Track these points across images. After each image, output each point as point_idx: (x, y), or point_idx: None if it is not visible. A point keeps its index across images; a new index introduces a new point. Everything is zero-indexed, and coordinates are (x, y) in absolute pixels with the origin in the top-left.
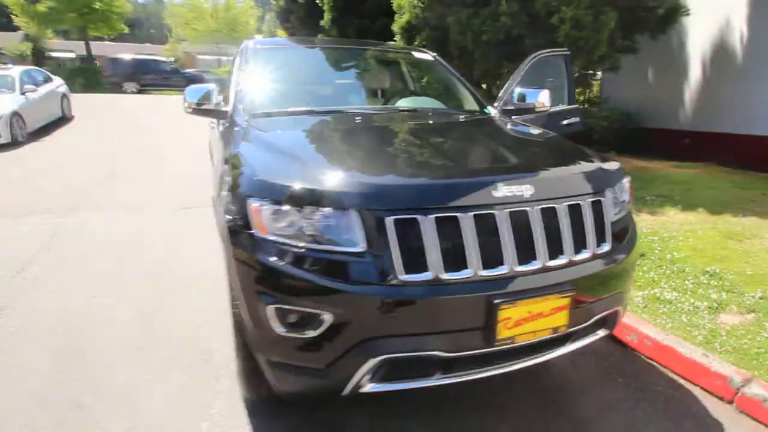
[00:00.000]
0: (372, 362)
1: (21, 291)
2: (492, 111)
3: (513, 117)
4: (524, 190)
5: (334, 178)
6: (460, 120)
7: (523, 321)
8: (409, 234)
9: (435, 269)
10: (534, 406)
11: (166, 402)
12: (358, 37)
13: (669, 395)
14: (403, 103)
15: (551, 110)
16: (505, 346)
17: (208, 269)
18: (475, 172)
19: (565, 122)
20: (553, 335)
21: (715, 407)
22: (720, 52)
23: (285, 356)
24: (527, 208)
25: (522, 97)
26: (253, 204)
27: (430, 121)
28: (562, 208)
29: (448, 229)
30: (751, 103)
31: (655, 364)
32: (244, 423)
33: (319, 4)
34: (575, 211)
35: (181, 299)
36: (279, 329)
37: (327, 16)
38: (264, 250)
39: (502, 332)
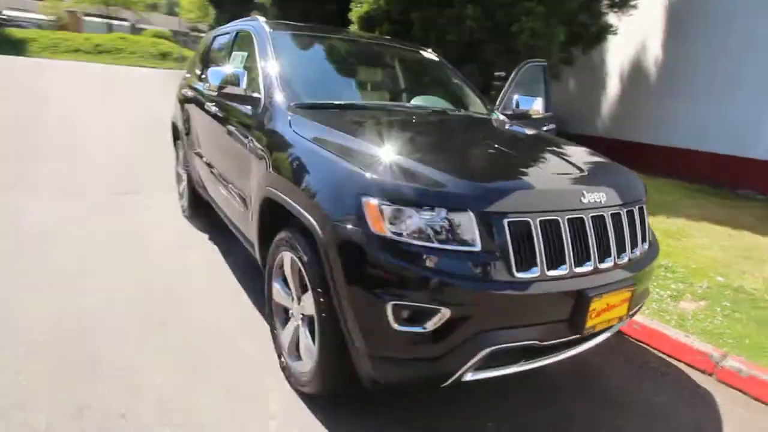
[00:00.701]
0: (482, 353)
1: None
2: (498, 115)
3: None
4: (601, 197)
5: (452, 181)
6: (500, 124)
7: (602, 311)
8: (520, 235)
9: (541, 267)
10: (569, 380)
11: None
12: (301, 21)
13: (663, 370)
14: (419, 101)
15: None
16: (587, 334)
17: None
18: (568, 182)
19: (544, 128)
20: (618, 323)
21: (699, 378)
22: (634, 69)
23: (396, 350)
24: (603, 213)
25: (517, 104)
26: (371, 202)
27: (478, 125)
28: (624, 213)
29: (549, 231)
30: (656, 117)
31: (644, 345)
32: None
33: None
34: (630, 215)
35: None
36: (395, 325)
37: None
38: (383, 248)
39: (589, 322)
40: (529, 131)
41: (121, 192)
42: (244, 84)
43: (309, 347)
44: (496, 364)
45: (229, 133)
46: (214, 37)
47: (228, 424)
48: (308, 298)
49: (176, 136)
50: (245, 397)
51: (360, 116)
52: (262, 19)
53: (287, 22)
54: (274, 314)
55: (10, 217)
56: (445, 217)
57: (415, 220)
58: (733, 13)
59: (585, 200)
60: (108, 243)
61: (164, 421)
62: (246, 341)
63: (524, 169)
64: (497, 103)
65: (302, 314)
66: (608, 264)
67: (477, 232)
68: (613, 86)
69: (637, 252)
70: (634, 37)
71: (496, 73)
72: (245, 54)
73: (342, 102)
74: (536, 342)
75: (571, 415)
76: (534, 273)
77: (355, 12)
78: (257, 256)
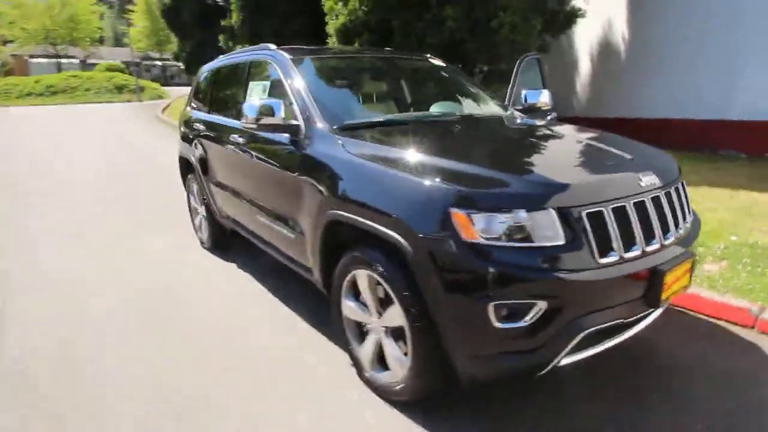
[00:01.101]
0: (577, 338)
1: None
2: (514, 112)
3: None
4: (654, 179)
5: (529, 183)
6: (524, 121)
7: (672, 284)
8: (597, 224)
9: (619, 250)
10: (629, 355)
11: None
12: (274, 38)
13: (709, 330)
14: (440, 108)
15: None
16: (661, 307)
17: None
18: (624, 169)
19: (549, 117)
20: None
21: (742, 332)
22: (604, 49)
23: (498, 347)
24: (658, 193)
25: (526, 98)
26: (459, 212)
27: (510, 125)
28: (672, 191)
29: (618, 216)
30: (631, 92)
31: (684, 310)
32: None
33: (221, 3)
34: (677, 192)
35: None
36: (497, 324)
37: (236, 16)
38: (478, 254)
39: (663, 295)
40: (559, 126)
41: (130, 232)
42: (281, 113)
43: (398, 357)
44: (586, 346)
45: (268, 162)
46: (217, 69)
47: None
48: (394, 311)
49: (186, 171)
50: (339, 413)
51: (404, 130)
52: (272, 47)
53: (300, 47)
54: (347, 331)
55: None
56: (530, 216)
57: (502, 223)
58: None
59: (642, 184)
60: (143, 287)
61: None
62: (315, 361)
63: (584, 163)
64: (507, 99)
65: (385, 326)
66: (670, 240)
67: (559, 227)
68: (584, 67)
69: (688, 224)
70: (601, 18)
71: (478, 68)
72: (267, 83)
73: (380, 119)
74: (622, 320)
75: (639, 386)
76: (614, 257)
77: (332, 25)
78: (317, 278)
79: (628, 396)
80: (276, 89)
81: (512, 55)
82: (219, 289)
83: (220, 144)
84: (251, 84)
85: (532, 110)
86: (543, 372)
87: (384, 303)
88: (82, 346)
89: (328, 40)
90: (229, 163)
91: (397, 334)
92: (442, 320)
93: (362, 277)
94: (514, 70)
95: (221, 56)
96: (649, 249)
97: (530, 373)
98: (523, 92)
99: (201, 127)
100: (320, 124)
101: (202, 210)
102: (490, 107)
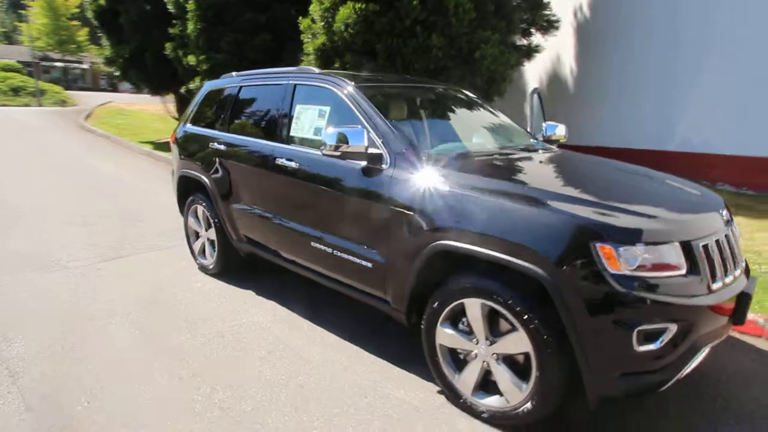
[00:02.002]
0: (698, 355)
1: None
2: (543, 144)
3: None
4: (726, 214)
5: (658, 218)
6: (569, 154)
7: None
8: (705, 255)
9: (721, 278)
10: None
11: None
12: (234, 52)
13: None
14: (481, 139)
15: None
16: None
17: None
18: (708, 207)
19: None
20: None
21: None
22: (554, 81)
23: (632, 367)
24: (731, 228)
25: (546, 130)
26: (605, 246)
27: (571, 159)
28: (734, 226)
29: (717, 248)
30: (580, 121)
31: None
32: None
33: (171, 11)
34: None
35: None
36: (636, 347)
37: (192, 25)
38: (625, 284)
39: (747, 314)
40: (612, 161)
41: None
42: (364, 141)
43: (514, 382)
44: (693, 359)
45: (339, 191)
46: (238, 89)
47: None
48: (515, 338)
49: (188, 192)
50: None
51: (494, 161)
52: (316, 70)
53: (353, 73)
54: (440, 359)
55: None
56: (663, 249)
57: (642, 255)
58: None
59: (723, 218)
60: (159, 318)
61: None
62: (404, 394)
63: (679, 199)
64: (529, 130)
65: (495, 353)
66: (740, 268)
67: (681, 257)
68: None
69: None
70: (551, 53)
71: None
72: (324, 109)
73: (463, 150)
74: (722, 337)
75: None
76: (719, 283)
77: (311, 44)
78: (397, 307)
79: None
80: (337, 115)
81: (490, 83)
82: (254, 324)
83: (253, 167)
84: (298, 108)
85: (551, 141)
86: (665, 387)
87: (495, 330)
88: None
89: (303, 59)
90: (266, 187)
91: (510, 360)
92: (583, 346)
93: (474, 305)
94: (531, 102)
95: (234, 74)
96: (734, 275)
97: (655, 388)
98: (544, 124)
99: (220, 147)
100: (408, 153)
101: (208, 233)
102: (526, 138)
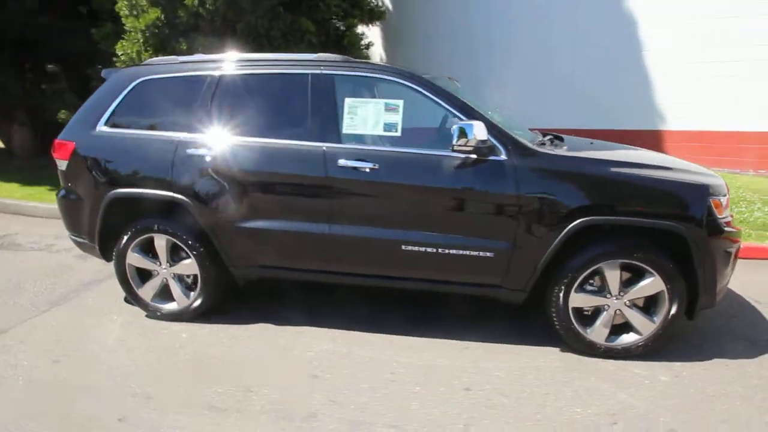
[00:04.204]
0: None
1: None
2: None
3: None
4: None
5: (717, 177)
6: None
7: None
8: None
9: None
10: None
11: None
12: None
13: None
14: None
15: None
16: None
17: None
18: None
19: None
20: None
21: None
22: None
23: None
24: None
25: None
26: (716, 200)
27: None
28: None
29: None
30: None
31: None
32: None
33: None
34: None
35: None
36: (731, 269)
37: None
38: (726, 225)
39: None
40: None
41: None
42: (485, 134)
43: (644, 322)
44: None
45: (449, 187)
46: (219, 78)
47: None
48: (650, 284)
49: (121, 221)
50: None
51: (576, 142)
52: (338, 57)
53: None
54: (572, 319)
55: None
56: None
57: (726, 203)
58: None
59: None
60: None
61: None
62: (544, 363)
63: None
64: None
65: (628, 300)
66: None
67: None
68: None
69: None
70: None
71: None
72: (395, 103)
73: (531, 135)
74: None
75: None
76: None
77: (136, 21)
78: (524, 286)
79: None
80: (414, 110)
81: None
82: (333, 354)
83: (288, 174)
84: (350, 102)
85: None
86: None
87: (628, 282)
88: None
89: (126, 37)
90: (315, 195)
91: (640, 305)
92: (705, 274)
93: (612, 266)
94: None
95: (179, 59)
96: None
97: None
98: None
99: (206, 153)
100: (519, 142)
101: (174, 268)
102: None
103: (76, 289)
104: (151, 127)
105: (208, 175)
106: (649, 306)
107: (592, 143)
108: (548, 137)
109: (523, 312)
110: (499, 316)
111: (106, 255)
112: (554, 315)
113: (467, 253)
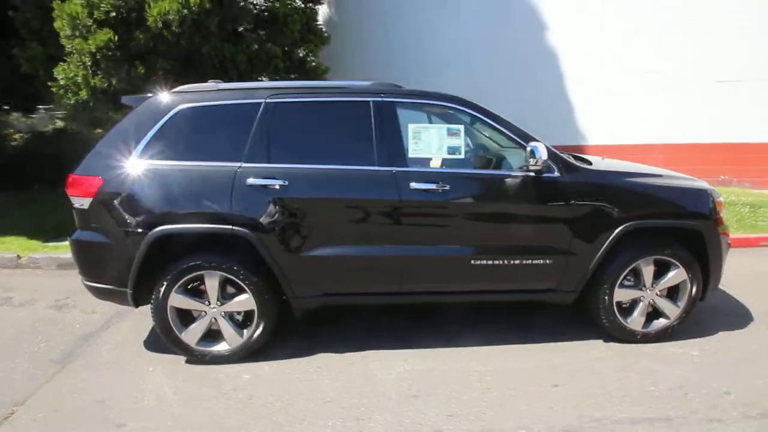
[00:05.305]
0: None
1: None
2: None
3: None
4: None
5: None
6: None
7: None
8: None
9: None
10: None
11: None
12: None
13: None
14: None
15: None
16: None
17: None
18: None
19: None
20: None
21: None
22: None
23: None
24: None
25: None
26: (718, 201)
27: None
28: None
29: None
30: None
31: None
32: None
33: None
34: None
35: None
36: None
37: None
38: (722, 220)
39: None
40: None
41: None
42: (545, 155)
43: (672, 309)
44: None
45: (517, 203)
46: (274, 106)
47: None
48: (675, 275)
49: (162, 260)
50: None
51: (598, 158)
52: (406, 87)
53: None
54: (616, 311)
55: None
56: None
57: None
58: None
59: None
60: None
61: None
62: (595, 354)
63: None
64: None
65: (660, 291)
66: None
67: None
68: None
69: None
70: None
71: None
72: (455, 128)
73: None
74: None
75: None
76: None
77: (79, 43)
78: (575, 288)
79: None
80: (472, 133)
81: None
82: (429, 372)
83: (361, 199)
84: (413, 128)
85: None
86: None
87: (656, 275)
88: None
89: (69, 59)
90: (388, 217)
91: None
92: (715, 262)
93: (647, 262)
94: None
95: (220, 85)
96: None
97: None
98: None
99: (272, 182)
100: (571, 161)
101: (226, 306)
102: None
103: (77, 344)
104: (198, 158)
105: (273, 204)
106: (671, 294)
107: (603, 159)
108: (566, 154)
109: (530, 312)
110: (528, 318)
111: (137, 301)
112: (601, 310)
113: (530, 261)
